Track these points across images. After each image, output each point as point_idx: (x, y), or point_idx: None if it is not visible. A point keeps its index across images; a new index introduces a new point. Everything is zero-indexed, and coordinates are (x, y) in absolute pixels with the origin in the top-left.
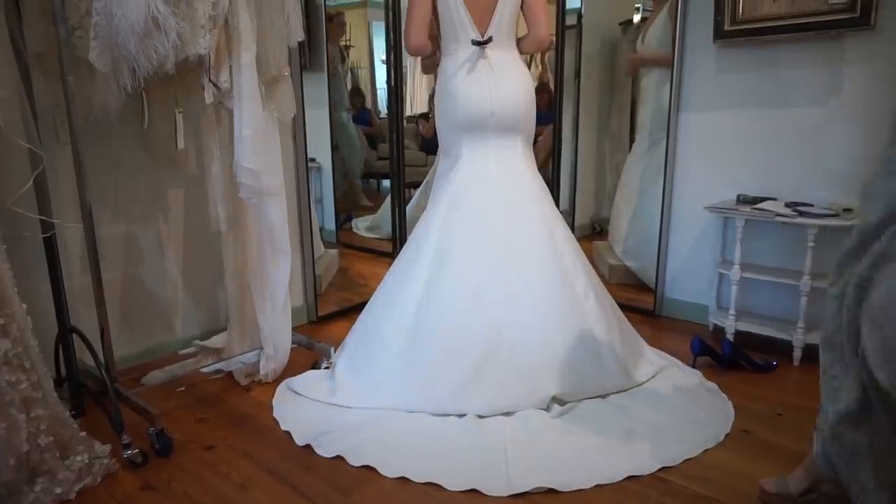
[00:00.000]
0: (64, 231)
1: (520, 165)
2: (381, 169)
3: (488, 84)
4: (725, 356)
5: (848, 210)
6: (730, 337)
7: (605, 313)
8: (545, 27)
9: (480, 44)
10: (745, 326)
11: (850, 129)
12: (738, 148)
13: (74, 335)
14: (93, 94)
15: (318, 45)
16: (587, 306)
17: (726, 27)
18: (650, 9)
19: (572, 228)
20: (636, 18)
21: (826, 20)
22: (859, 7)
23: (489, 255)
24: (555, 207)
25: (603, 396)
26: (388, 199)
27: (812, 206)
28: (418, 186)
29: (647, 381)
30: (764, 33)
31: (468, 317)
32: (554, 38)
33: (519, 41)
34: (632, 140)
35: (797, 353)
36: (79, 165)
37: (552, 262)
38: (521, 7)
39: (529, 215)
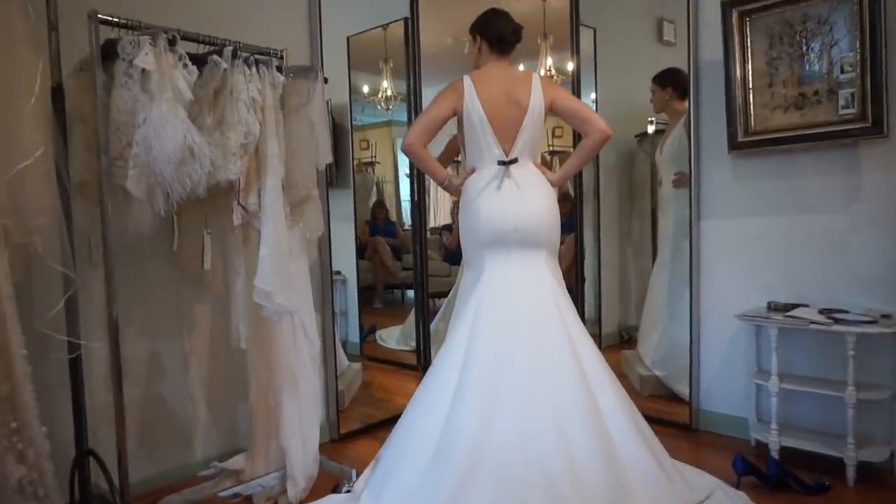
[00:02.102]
0: (89, 349)
1: (543, 279)
2: (406, 279)
3: (512, 201)
4: (771, 476)
5: (886, 316)
6: (774, 454)
7: (632, 433)
8: (598, 118)
9: (506, 163)
10: (789, 442)
11: (877, 234)
12: (764, 254)
13: (91, 458)
14: (127, 219)
15: (345, 163)
16: (614, 427)
17: (740, 138)
18: (663, 122)
19: (599, 337)
20: (650, 130)
21: (838, 130)
22: (871, 117)
23: (512, 374)
24: (579, 320)
25: None
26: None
27: (847, 312)
28: (443, 296)
29: None
30: (777, 143)
31: (490, 439)
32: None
33: (582, 142)
34: (654, 247)
35: (850, 473)
36: (110, 288)
37: (577, 381)
38: (556, 114)
39: (553, 330)
